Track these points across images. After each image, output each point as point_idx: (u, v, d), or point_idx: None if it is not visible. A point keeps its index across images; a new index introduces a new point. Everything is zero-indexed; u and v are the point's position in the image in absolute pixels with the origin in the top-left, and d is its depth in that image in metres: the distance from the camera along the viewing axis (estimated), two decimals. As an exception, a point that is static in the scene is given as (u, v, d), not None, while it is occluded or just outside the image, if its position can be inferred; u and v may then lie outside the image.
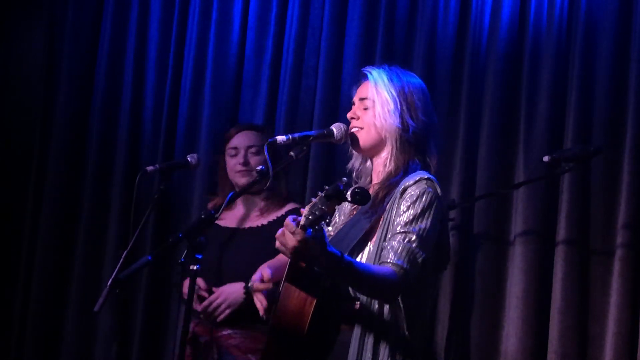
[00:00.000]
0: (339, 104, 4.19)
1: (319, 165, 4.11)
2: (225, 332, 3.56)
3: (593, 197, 3.71)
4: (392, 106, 2.70)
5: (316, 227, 2.35)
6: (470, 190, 3.89)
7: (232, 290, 3.53)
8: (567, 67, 3.82)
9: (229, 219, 3.70)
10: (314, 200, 2.37)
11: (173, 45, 4.56)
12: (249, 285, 2.74)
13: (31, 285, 4.60)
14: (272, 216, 3.68)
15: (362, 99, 2.77)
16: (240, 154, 3.71)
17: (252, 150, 3.72)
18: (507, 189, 3.80)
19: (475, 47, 3.98)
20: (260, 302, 2.71)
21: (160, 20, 4.61)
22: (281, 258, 2.93)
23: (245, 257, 3.55)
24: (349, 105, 4.03)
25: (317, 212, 2.35)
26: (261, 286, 2.72)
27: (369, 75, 2.77)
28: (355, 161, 2.84)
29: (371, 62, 4.08)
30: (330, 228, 2.86)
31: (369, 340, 2.55)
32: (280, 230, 2.41)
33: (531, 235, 3.74)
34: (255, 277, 2.75)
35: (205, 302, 3.52)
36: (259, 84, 4.39)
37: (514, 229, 3.80)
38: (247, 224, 3.67)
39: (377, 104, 2.72)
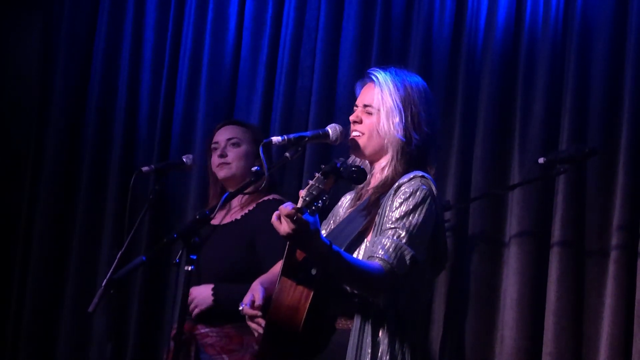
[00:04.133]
0: (335, 105, 4.19)
1: (315, 166, 4.10)
2: (202, 330, 3.55)
3: (588, 199, 3.71)
4: (397, 118, 2.67)
5: (312, 208, 2.35)
6: (465, 192, 3.89)
7: (200, 292, 3.50)
8: (562, 68, 3.82)
9: (220, 218, 3.68)
10: (310, 182, 2.37)
11: (168, 46, 4.55)
12: (240, 308, 2.71)
13: (26, 286, 4.59)
14: (244, 211, 3.64)
15: (366, 106, 2.73)
16: (220, 147, 3.69)
17: (232, 142, 3.69)
18: (502, 191, 3.81)
19: (470, 48, 3.98)
20: (253, 326, 2.67)
21: (156, 21, 4.61)
22: (274, 270, 2.91)
23: (219, 254, 3.54)
24: (345, 106, 4.08)
25: (314, 192, 2.34)
26: (250, 312, 2.67)
27: (374, 79, 2.73)
28: (353, 160, 2.83)
29: (367, 63, 4.09)
30: (323, 231, 2.85)
31: (368, 336, 2.55)
32: (274, 216, 2.39)
33: (526, 237, 3.74)
34: (247, 299, 2.70)
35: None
36: (255, 84, 4.39)
37: (509, 231, 3.80)
38: (226, 220, 3.65)
39: (382, 113, 2.69)
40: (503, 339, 3.72)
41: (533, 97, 3.83)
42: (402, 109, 2.68)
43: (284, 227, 2.36)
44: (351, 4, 4.21)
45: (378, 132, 2.69)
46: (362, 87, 2.79)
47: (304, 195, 2.37)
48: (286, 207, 2.34)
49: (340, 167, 2.39)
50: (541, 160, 3.49)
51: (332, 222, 2.86)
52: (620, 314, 3.54)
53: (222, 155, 3.66)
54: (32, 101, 4.74)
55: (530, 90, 3.84)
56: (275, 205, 3.64)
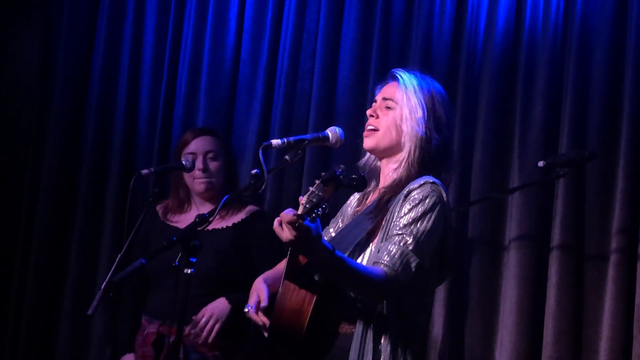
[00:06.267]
0: (335, 108, 4.19)
1: (314, 169, 4.11)
2: (192, 331, 3.54)
3: (588, 202, 3.71)
4: (420, 114, 2.66)
5: (313, 215, 2.34)
6: (465, 195, 3.89)
7: (216, 305, 3.52)
8: (562, 72, 3.83)
9: (187, 222, 3.66)
10: (311, 188, 2.37)
11: (168, 49, 4.55)
12: (245, 310, 2.70)
13: (25, 288, 4.58)
14: (236, 218, 3.68)
15: (385, 99, 2.73)
16: (199, 160, 3.69)
17: (210, 155, 3.72)
18: (502, 194, 3.80)
19: (470, 52, 3.99)
20: (262, 322, 2.65)
21: (156, 24, 4.60)
22: (278, 267, 2.91)
23: (212, 259, 3.56)
24: (345, 109, 4.08)
25: (314, 200, 2.34)
26: (257, 319, 2.64)
27: (399, 77, 2.73)
28: (368, 160, 2.82)
29: (367, 66, 4.10)
30: (331, 230, 2.85)
31: (370, 341, 2.54)
32: (276, 222, 2.39)
33: (526, 240, 3.74)
34: (252, 301, 2.67)
35: (190, 325, 3.49)
36: (254, 87, 4.39)
37: (508, 234, 3.80)
38: (209, 226, 3.65)
39: (404, 109, 2.68)
40: (503, 342, 3.72)
41: (533, 101, 3.83)
42: (425, 107, 2.68)
43: (285, 233, 2.36)
44: (351, 8, 4.21)
45: (396, 127, 2.68)
46: (383, 87, 2.79)
47: (304, 202, 2.36)
48: (288, 214, 2.34)
49: (340, 174, 2.38)
50: (541, 163, 3.49)
51: (340, 220, 2.85)
52: (620, 317, 3.54)
53: (205, 170, 3.67)
54: (31, 104, 4.74)
55: (530, 93, 3.84)
56: (266, 216, 3.66)
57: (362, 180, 2.44)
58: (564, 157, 3.50)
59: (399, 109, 2.69)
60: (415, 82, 2.71)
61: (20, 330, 4.57)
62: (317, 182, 2.38)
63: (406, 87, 2.70)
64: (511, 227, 3.78)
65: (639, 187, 3.62)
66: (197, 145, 3.73)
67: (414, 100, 2.68)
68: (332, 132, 2.78)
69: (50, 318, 4.56)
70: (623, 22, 3.75)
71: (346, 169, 2.44)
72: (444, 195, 2.61)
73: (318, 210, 2.35)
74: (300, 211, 2.35)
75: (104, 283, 2.81)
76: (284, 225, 2.35)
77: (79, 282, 4.50)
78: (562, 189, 3.70)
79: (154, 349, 3.56)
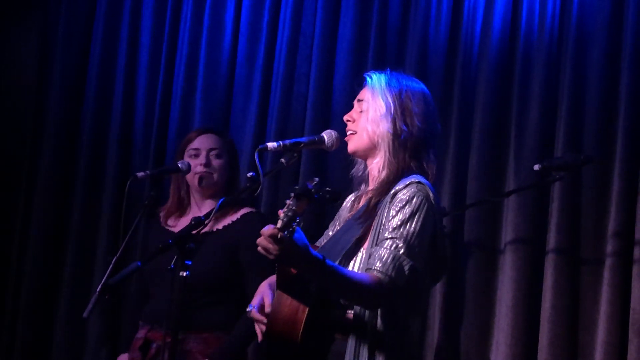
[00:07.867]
0: (331, 111, 4.19)
1: (310, 172, 4.11)
2: (180, 337, 3.52)
3: (583, 206, 3.72)
4: (383, 110, 2.66)
5: (290, 228, 2.34)
6: (460, 198, 3.89)
7: None
8: (558, 76, 3.83)
9: (183, 226, 3.65)
10: (288, 202, 2.37)
11: (164, 51, 4.55)
12: (248, 310, 2.69)
13: (21, 291, 4.58)
14: (227, 220, 3.64)
15: (359, 101, 2.75)
16: (202, 155, 3.67)
17: (213, 153, 3.69)
18: (498, 197, 3.81)
19: (466, 55, 3.99)
20: (260, 329, 2.64)
21: (152, 26, 4.61)
22: None
23: (202, 263, 3.51)
24: (341, 112, 4.06)
25: (289, 214, 2.33)
26: (258, 317, 2.62)
27: (367, 79, 2.75)
28: (359, 166, 2.82)
29: (363, 69, 4.07)
30: (330, 233, 2.85)
31: (364, 349, 2.53)
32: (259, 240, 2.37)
33: (521, 244, 3.74)
34: (256, 302, 2.66)
35: None
36: (251, 90, 4.39)
37: (504, 238, 3.80)
38: (202, 230, 3.63)
39: (370, 109, 2.70)
40: (498, 346, 3.72)
41: (529, 104, 3.83)
42: (390, 101, 2.68)
43: (269, 248, 2.35)
44: (347, 11, 4.22)
45: (367, 128, 2.69)
46: (360, 91, 2.81)
47: (281, 217, 2.35)
48: (268, 228, 2.33)
49: (312, 188, 2.37)
50: (537, 167, 3.49)
51: (337, 224, 2.85)
52: (615, 321, 3.54)
53: (207, 165, 3.65)
54: (28, 106, 4.74)
55: (526, 97, 3.85)
56: (257, 218, 3.64)
57: (335, 193, 2.43)
58: (560, 161, 3.50)
59: (368, 110, 2.70)
60: (383, 80, 2.72)
61: (16, 333, 4.57)
62: (292, 195, 2.37)
63: (373, 87, 2.72)
64: (507, 231, 3.78)
65: (634, 191, 3.62)
66: (201, 141, 3.71)
67: (378, 99, 2.69)
68: (328, 135, 2.79)
69: (46, 320, 4.55)
70: (619, 26, 3.75)
71: (320, 182, 2.41)
72: (431, 194, 2.60)
73: (293, 224, 2.34)
74: (278, 225, 2.34)
75: (100, 286, 2.81)
76: (266, 240, 2.34)
77: (74, 285, 4.50)
78: (558, 193, 3.70)
79: (141, 354, 3.54)
